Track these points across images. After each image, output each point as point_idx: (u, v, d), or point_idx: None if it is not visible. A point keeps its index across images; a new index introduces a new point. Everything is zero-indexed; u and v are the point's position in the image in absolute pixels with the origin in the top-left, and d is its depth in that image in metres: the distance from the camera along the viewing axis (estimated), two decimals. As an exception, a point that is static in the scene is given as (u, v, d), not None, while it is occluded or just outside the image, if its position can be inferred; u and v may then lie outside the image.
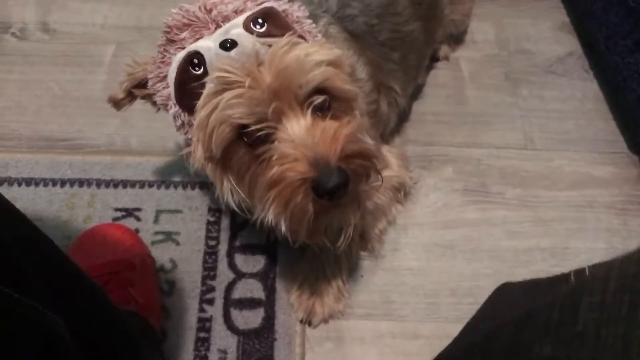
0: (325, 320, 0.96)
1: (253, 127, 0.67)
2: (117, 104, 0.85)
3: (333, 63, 0.70)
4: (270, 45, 0.68)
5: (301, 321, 0.95)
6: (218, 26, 0.71)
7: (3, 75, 1.24)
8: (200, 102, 0.69)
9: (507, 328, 0.49)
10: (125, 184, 1.09)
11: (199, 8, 0.72)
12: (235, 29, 0.70)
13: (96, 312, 0.66)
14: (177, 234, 1.03)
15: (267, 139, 0.69)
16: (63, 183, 1.08)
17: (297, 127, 0.67)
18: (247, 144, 0.70)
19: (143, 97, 0.83)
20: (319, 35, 0.77)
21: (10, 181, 1.07)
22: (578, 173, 1.15)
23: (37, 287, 0.52)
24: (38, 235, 0.61)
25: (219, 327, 0.95)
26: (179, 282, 0.98)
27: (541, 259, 1.04)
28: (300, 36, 0.73)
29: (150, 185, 1.08)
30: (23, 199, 1.05)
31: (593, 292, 0.40)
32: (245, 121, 0.67)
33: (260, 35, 0.69)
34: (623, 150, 1.18)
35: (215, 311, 0.96)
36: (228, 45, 0.68)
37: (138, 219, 1.05)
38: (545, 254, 1.05)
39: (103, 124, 1.18)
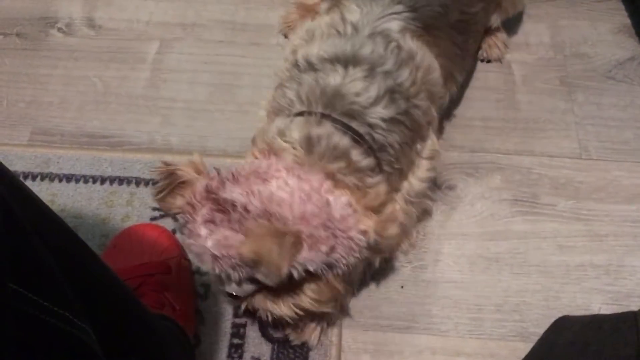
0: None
1: None
2: None
3: None
4: None
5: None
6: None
7: (48, 71, 1.24)
8: None
9: None
10: (164, 183, 1.07)
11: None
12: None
13: (125, 319, 0.64)
14: (214, 236, 1.01)
15: None
16: (103, 180, 1.08)
17: None
18: None
19: None
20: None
21: (51, 177, 1.08)
22: (637, 186, 1.08)
23: (67, 294, 0.51)
24: (72, 240, 0.59)
25: (253, 334, 0.92)
26: (215, 285, 0.96)
27: (594, 277, 0.98)
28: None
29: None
30: (63, 195, 1.05)
31: None
32: None
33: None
34: (686, 163, 1.11)
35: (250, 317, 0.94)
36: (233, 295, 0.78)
37: (176, 219, 1.03)
38: (599, 271, 0.99)
39: (144, 121, 1.17)
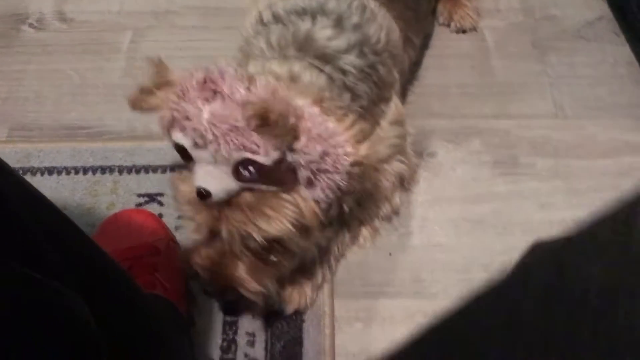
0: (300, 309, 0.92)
1: None
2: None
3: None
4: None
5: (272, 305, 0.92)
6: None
7: (22, 66, 1.24)
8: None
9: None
10: (147, 169, 1.08)
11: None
12: (223, 171, 0.68)
13: (120, 296, 0.65)
14: (201, 217, 1.01)
15: None
16: (85, 171, 1.07)
17: None
18: None
19: None
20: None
21: (33, 171, 1.07)
22: (613, 140, 1.10)
23: (58, 269, 0.51)
24: (63, 221, 0.60)
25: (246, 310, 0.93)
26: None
27: (576, 231, 1.00)
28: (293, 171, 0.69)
29: (172, 169, 1.07)
30: (46, 188, 1.05)
31: None
32: None
33: (245, 181, 0.68)
34: (659, 115, 1.13)
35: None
36: (204, 193, 0.69)
37: (161, 204, 1.04)
38: (582, 225, 1.01)
39: (123, 110, 1.15)
